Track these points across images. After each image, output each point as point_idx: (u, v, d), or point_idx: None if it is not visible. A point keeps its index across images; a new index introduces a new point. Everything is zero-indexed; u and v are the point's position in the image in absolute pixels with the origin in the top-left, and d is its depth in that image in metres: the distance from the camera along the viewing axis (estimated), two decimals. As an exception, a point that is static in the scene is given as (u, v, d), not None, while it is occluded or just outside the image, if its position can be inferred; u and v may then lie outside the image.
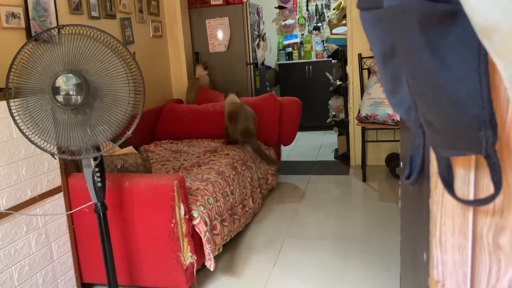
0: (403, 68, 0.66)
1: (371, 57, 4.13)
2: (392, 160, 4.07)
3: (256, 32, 5.05)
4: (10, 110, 1.74)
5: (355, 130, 4.37)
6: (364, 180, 3.94)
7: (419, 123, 0.71)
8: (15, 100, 1.74)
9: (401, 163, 1.16)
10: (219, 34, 4.74)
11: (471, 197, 0.71)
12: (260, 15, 5.34)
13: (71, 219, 2.26)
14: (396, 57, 0.69)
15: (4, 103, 1.83)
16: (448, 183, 0.70)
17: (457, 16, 0.55)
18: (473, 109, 0.58)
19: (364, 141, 3.96)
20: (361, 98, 4.01)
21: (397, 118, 3.63)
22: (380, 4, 0.62)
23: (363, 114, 3.79)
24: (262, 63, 5.34)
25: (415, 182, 0.79)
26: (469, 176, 0.71)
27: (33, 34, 2.64)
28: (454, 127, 0.60)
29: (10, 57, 1.73)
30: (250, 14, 4.79)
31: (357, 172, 4.20)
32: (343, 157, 4.66)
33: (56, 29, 1.74)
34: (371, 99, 3.78)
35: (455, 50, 0.57)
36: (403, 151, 1.11)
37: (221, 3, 4.74)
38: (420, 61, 0.58)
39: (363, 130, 3.93)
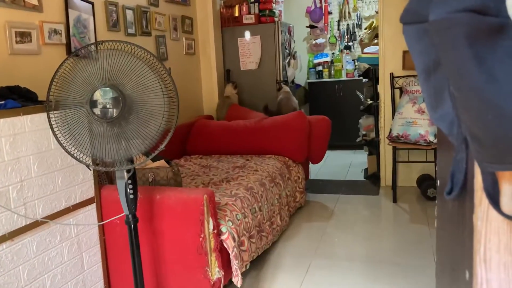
0: (449, 82, 0.65)
1: (403, 77, 4.09)
2: (424, 181, 3.98)
3: (287, 51, 5.09)
4: (49, 121, 1.80)
5: (385, 150, 4.31)
6: (394, 201, 3.86)
7: (462, 138, 0.70)
8: (54, 112, 1.80)
9: (439, 181, 1.14)
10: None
11: (518, 214, 0.69)
12: (291, 34, 5.39)
13: (102, 230, 2.30)
14: (439, 71, 0.68)
15: (44, 115, 1.89)
16: (494, 199, 0.68)
17: (506, 29, 0.55)
18: (521, 123, 0.57)
19: (395, 161, 3.90)
20: (393, 118, 3.96)
21: (430, 138, 3.56)
22: (425, 18, 0.62)
23: (394, 133, 3.74)
24: (292, 81, 5.36)
25: (457, 198, 0.77)
26: (517, 192, 0.68)
27: (72, 49, 2.74)
28: (501, 141, 0.59)
29: (51, 71, 1.80)
30: (281, 33, 4.84)
31: (387, 193, 4.12)
32: (373, 177, 4.59)
33: (94, 45, 1.80)
34: (403, 119, 3.73)
35: (504, 63, 0.56)
36: (441, 168, 1.09)
37: (253, 21, 4.81)
38: (467, 74, 0.57)
39: (394, 150, 3.88)
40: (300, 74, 6.53)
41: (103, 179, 2.57)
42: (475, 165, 0.69)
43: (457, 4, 0.55)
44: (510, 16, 0.53)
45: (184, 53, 4.38)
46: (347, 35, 6.56)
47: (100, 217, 2.26)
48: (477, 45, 0.56)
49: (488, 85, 0.56)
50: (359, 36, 6.36)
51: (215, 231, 2.18)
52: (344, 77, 6.43)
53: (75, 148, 1.81)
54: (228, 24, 4.86)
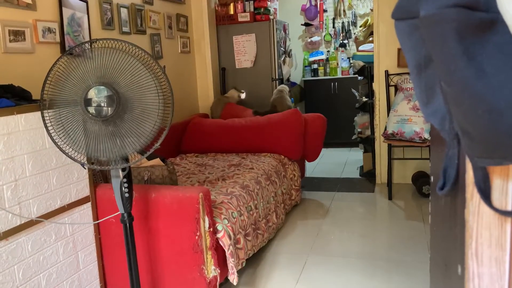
0: (439, 77, 0.65)
1: (398, 74, 4.10)
2: (419, 178, 3.99)
3: (282, 49, 5.09)
4: (44, 120, 1.79)
5: (381, 147, 4.32)
6: (390, 198, 3.88)
7: (453, 133, 0.70)
8: (49, 111, 1.79)
9: (432, 177, 1.14)
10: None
11: (509, 208, 0.70)
12: (287, 32, 5.39)
13: (97, 229, 2.29)
14: (430, 66, 0.68)
15: (38, 113, 1.88)
16: (485, 194, 0.69)
17: (496, 24, 0.55)
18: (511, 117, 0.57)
19: (390, 159, 3.91)
20: (388, 115, 3.97)
21: (425, 135, 3.58)
22: (415, 14, 0.63)
23: (389, 131, 3.75)
24: (288, 79, 5.36)
25: (449, 193, 0.78)
26: (507, 186, 0.69)
27: (67, 48, 2.73)
28: (492, 135, 0.59)
29: (45, 70, 1.79)
30: (276, 31, 4.84)
31: (382, 190, 4.13)
32: (368, 175, 4.60)
33: (88, 43, 1.80)
34: (398, 116, 3.74)
35: (493, 58, 0.56)
36: (434, 164, 1.10)
37: (249, 20, 4.81)
38: (457, 69, 0.57)
39: (389, 147, 3.89)
40: (295, 72, 6.53)
41: (98, 177, 2.56)
42: (467, 160, 0.69)
43: (447, -1, 0.55)
44: (500, 11, 0.53)
45: (179, 51, 4.37)
46: (342, 33, 6.57)
47: (96, 216, 2.25)
48: (466, 40, 0.56)
49: (478, 79, 0.56)
50: (354, 34, 6.37)
51: (211, 229, 2.18)
52: (339, 75, 6.44)
53: (70, 147, 1.80)
54: (223, 22, 4.86)
